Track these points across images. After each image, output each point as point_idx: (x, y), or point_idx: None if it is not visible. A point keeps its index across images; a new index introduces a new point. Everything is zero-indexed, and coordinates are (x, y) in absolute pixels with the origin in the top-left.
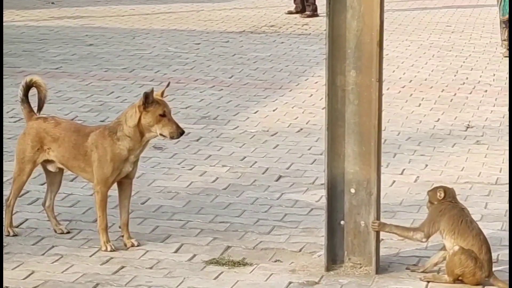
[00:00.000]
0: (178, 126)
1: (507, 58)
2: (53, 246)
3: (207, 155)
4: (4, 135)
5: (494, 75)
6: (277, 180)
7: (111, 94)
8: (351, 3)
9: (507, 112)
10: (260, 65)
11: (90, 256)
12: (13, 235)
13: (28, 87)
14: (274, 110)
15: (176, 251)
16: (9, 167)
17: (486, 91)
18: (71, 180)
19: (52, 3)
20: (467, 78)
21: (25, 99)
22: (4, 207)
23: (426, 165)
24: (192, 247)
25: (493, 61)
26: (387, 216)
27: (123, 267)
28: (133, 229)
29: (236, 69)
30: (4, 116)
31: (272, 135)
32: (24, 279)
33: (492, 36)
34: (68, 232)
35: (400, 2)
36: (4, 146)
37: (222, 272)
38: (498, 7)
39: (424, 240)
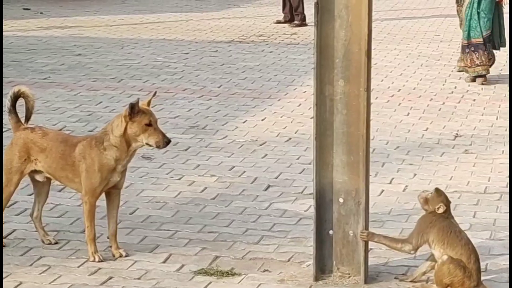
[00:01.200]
0: (164, 136)
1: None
2: (41, 257)
3: (195, 164)
4: None
5: (482, 84)
6: (265, 190)
7: (100, 104)
8: (339, 12)
9: (495, 121)
10: (249, 75)
11: (78, 267)
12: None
13: (15, 97)
14: (262, 120)
15: (164, 261)
16: None
17: (474, 100)
18: (59, 191)
19: (41, 13)
20: (455, 87)
21: (13, 109)
22: None
23: (415, 174)
24: (181, 257)
25: None
26: (376, 226)
27: (111, 277)
28: (121, 239)
29: (225, 79)
30: None
31: (260, 145)
32: None
33: None
34: (56, 243)
35: (388, 12)
36: None
37: (210, 282)
38: (461, 29)
39: (412, 252)
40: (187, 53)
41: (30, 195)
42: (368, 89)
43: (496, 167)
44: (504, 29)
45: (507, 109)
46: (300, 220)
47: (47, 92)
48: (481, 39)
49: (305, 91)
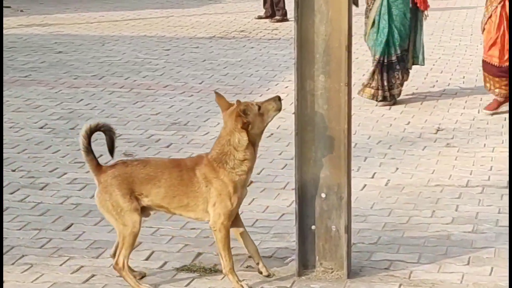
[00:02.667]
0: (272, 99)
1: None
2: (22, 256)
3: None
4: None
5: (463, 77)
6: (248, 185)
7: (81, 102)
8: (319, 7)
9: (477, 115)
10: (230, 71)
11: (60, 265)
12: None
13: (91, 132)
14: None
15: (147, 259)
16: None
17: (455, 93)
18: (41, 189)
19: (21, 10)
20: (437, 81)
21: (89, 148)
22: (119, 274)
23: (397, 168)
24: (163, 254)
25: (463, 63)
26: (358, 220)
27: (93, 275)
28: (102, 237)
29: (206, 75)
30: None
31: None
32: None
33: (461, 39)
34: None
35: None
36: None
37: (193, 279)
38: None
39: None
40: (168, 50)
41: (12, 193)
42: (349, 84)
43: (478, 160)
44: (421, 45)
45: (489, 102)
46: (282, 216)
47: (28, 90)
48: (394, 58)
49: (286, 86)
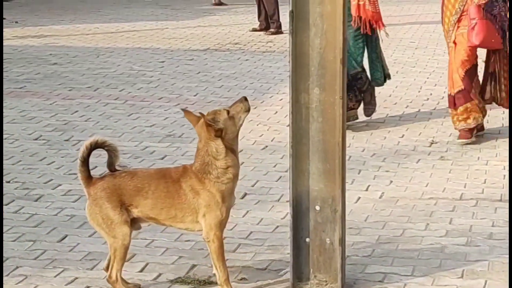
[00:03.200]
0: (240, 101)
1: None
2: (17, 267)
3: None
4: None
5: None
6: (242, 198)
7: (76, 113)
8: (314, 21)
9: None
10: (225, 83)
11: (55, 277)
12: None
13: (92, 148)
14: None
15: (141, 271)
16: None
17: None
18: (35, 200)
19: (16, 22)
20: (431, 94)
21: (85, 161)
22: (113, 286)
23: (391, 181)
24: (158, 266)
25: None
26: (353, 233)
27: (88, 287)
28: (97, 249)
29: (201, 87)
30: None
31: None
32: None
33: None
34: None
35: None
36: None
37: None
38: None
39: None
40: (163, 62)
41: (6, 204)
42: (343, 97)
43: (472, 173)
44: (378, 65)
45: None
46: (277, 228)
47: (23, 101)
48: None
49: (281, 99)
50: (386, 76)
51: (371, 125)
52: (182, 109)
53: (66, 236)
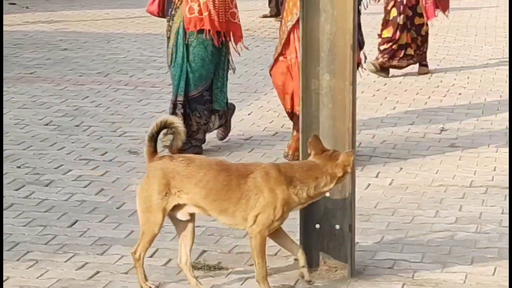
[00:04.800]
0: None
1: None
2: (27, 252)
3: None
4: None
5: (468, 78)
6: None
7: (86, 99)
8: (324, 6)
9: (481, 115)
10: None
11: (65, 262)
12: None
13: (161, 127)
14: (249, 114)
15: (151, 256)
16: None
17: (460, 94)
18: (46, 185)
19: (26, 7)
20: (441, 81)
21: (153, 138)
22: (134, 262)
23: (401, 168)
24: (168, 251)
25: (467, 64)
26: (362, 220)
27: (98, 272)
28: (107, 234)
29: None
30: None
31: (247, 139)
32: None
33: (465, 40)
34: None
35: (374, 6)
36: None
37: (198, 277)
38: None
39: None
40: None
41: (17, 189)
42: (353, 83)
43: (481, 161)
44: (222, 87)
45: (493, 103)
46: None
47: (33, 87)
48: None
49: None
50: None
51: (381, 111)
52: (314, 135)
53: (76, 221)
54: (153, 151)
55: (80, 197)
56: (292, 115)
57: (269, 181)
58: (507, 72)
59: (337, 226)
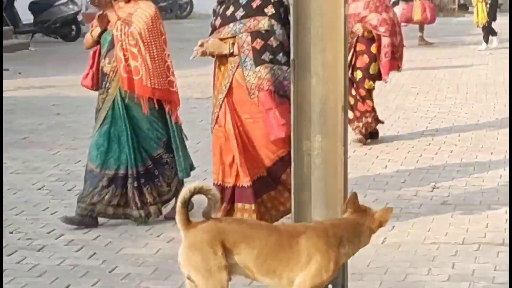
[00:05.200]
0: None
1: None
2: None
3: (174, 221)
4: None
5: (459, 135)
6: None
7: (79, 163)
8: (315, 69)
9: (472, 172)
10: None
11: None
12: None
13: (192, 194)
14: None
15: None
16: None
17: (451, 151)
18: (38, 250)
19: (19, 73)
20: (432, 139)
21: (184, 205)
22: None
23: (393, 226)
24: None
25: (458, 121)
26: (355, 278)
27: None
28: None
29: (204, 135)
30: None
31: None
32: None
33: (456, 97)
34: None
35: None
36: None
37: None
38: None
39: None
40: None
41: (9, 255)
42: (345, 144)
43: (474, 218)
44: (181, 155)
45: (484, 160)
46: None
47: (26, 152)
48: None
49: None
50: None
51: (373, 170)
52: (354, 193)
53: (69, 285)
54: (187, 218)
55: (72, 261)
56: (222, 188)
57: (321, 243)
58: (498, 130)
59: (330, 286)
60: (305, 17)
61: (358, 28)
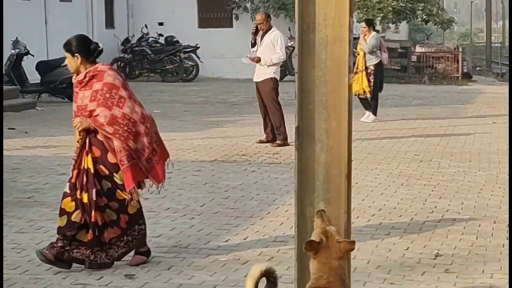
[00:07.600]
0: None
1: None
2: None
3: (178, 284)
4: None
5: (462, 203)
6: None
7: None
8: (319, 136)
9: (475, 241)
10: (231, 194)
11: None
12: None
13: (263, 275)
14: (245, 239)
15: None
16: None
17: (454, 219)
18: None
19: (26, 132)
20: (435, 207)
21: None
22: None
23: None
24: None
25: (461, 189)
26: None
27: None
28: None
29: (208, 198)
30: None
31: (243, 264)
32: None
33: (460, 165)
34: None
35: (369, 132)
36: None
37: None
38: None
39: None
40: (170, 172)
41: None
42: (348, 211)
43: (476, 286)
44: None
45: (486, 229)
46: None
47: (31, 211)
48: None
49: (287, 210)
50: None
51: (376, 237)
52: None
53: None
54: None
55: None
56: None
57: None
58: (500, 198)
59: None
60: (309, 84)
61: None
